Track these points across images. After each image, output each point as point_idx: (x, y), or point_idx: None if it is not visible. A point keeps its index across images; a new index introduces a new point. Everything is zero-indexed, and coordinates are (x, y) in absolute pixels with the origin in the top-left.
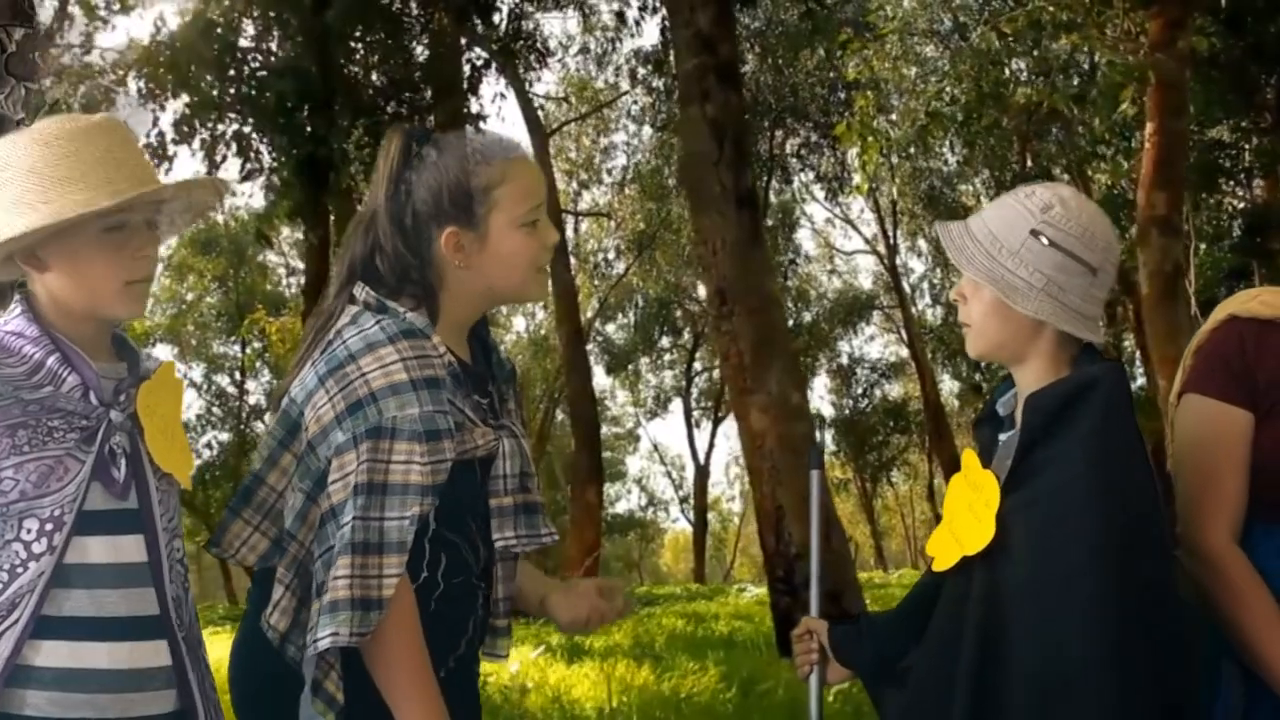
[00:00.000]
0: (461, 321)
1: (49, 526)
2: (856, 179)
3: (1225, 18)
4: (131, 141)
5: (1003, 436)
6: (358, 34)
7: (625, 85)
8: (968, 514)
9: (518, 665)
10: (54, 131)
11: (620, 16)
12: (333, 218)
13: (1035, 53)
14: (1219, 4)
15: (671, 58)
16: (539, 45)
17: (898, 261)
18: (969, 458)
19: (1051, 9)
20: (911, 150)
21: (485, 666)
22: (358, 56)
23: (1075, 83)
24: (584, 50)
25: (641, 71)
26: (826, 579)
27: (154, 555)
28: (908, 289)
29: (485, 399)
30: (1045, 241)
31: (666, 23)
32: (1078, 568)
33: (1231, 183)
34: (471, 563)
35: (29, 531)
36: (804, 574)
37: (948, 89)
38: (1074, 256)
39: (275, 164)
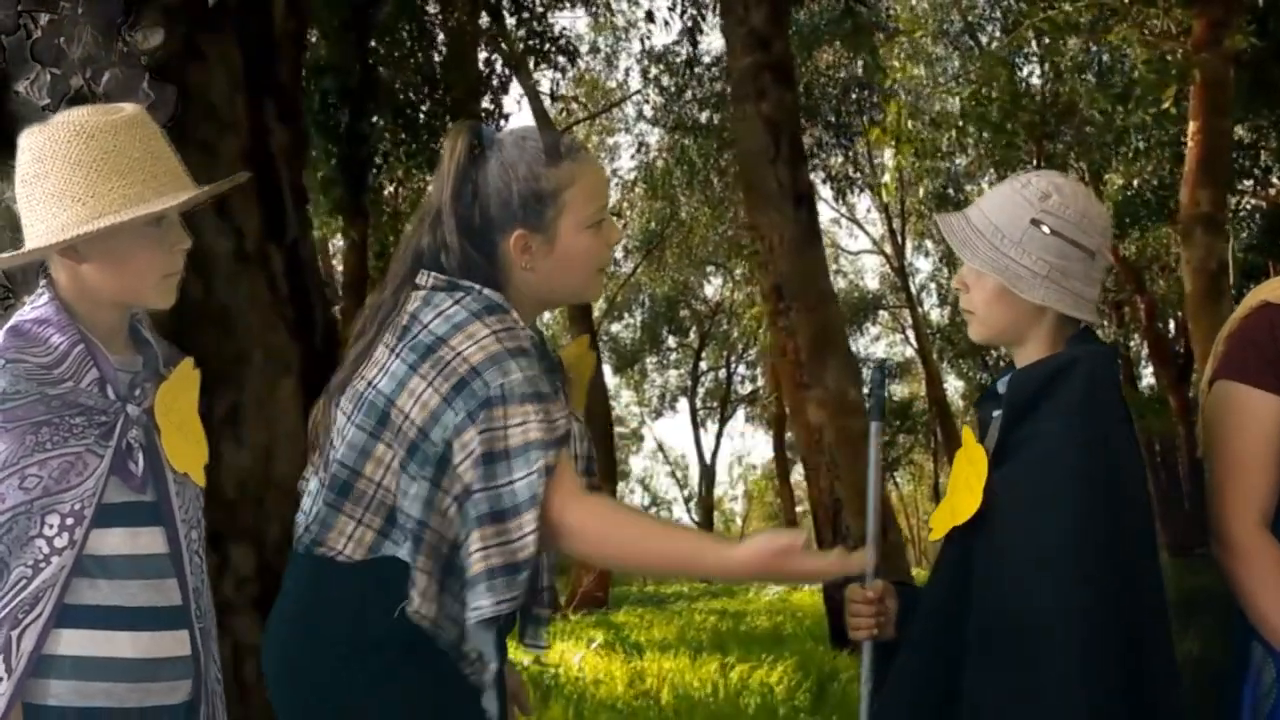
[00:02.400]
0: (524, 320)
1: (70, 521)
2: (886, 178)
3: (1257, 18)
4: (162, 135)
5: (996, 414)
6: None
7: (636, 85)
8: (963, 487)
9: (580, 656)
10: (95, 124)
11: (650, 15)
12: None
13: (1064, 53)
14: (1256, 4)
15: (685, 54)
16: (567, 46)
17: (904, 262)
18: (967, 433)
19: (1083, 6)
20: (942, 150)
21: (547, 660)
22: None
23: (1113, 81)
24: (594, 50)
25: (654, 71)
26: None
27: (174, 547)
28: (914, 289)
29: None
30: (1046, 230)
31: (689, 22)
32: (1052, 543)
33: (1250, 182)
34: None
35: (50, 527)
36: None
37: (983, 89)
38: (1074, 243)
39: (317, 162)
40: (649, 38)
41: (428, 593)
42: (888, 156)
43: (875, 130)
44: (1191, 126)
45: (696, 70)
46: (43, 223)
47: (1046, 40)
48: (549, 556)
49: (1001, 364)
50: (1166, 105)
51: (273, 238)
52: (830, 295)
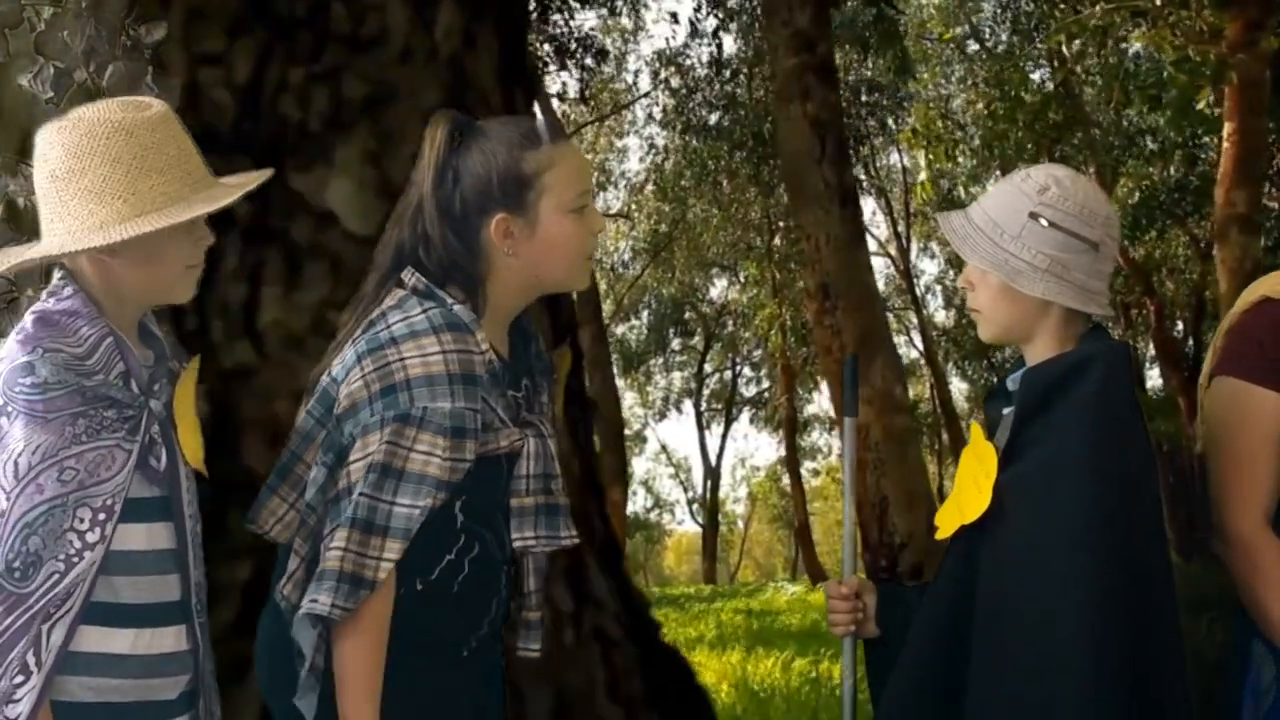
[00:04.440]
0: (506, 312)
1: (101, 515)
2: (923, 176)
3: None
4: (186, 131)
5: (1006, 411)
6: None
7: (645, 86)
8: (971, 485)
9: None
10: (132, 120)
11: (674, 17)
12: None
13: (1089, 56)
14: None
15: (705, 56)
16: (592, 46)
17: (909, 263)
18: (975, 431)
19: (1113, 9)
20: (972, 150)
21: None
22: None
23: (1145, 83)
24: (602, 52)
25: (664, 73)
26: (905, 552)
27: (181, 542)
28: (919, 291)
29: (519, 393)
30: (1044, 223)
31: (711, 22)
32: (1063, 540)
33: (1265, 183)
34: (497, 554)
35: (82, 521)
36: (907, 564)
37: (1012, 93)
38: (1074, 235)
39: None
40: (673, 39)
41: (296, 576)
42: (894, 159)
43: (907, 133)
44: (1227, 127)
45: (713, 73)
46: (76, 219)
47: (1077, 44)
48: (536, 559)
49: (1008, 366)
50: (1201, 106)
51: None
52: (875, 293)
